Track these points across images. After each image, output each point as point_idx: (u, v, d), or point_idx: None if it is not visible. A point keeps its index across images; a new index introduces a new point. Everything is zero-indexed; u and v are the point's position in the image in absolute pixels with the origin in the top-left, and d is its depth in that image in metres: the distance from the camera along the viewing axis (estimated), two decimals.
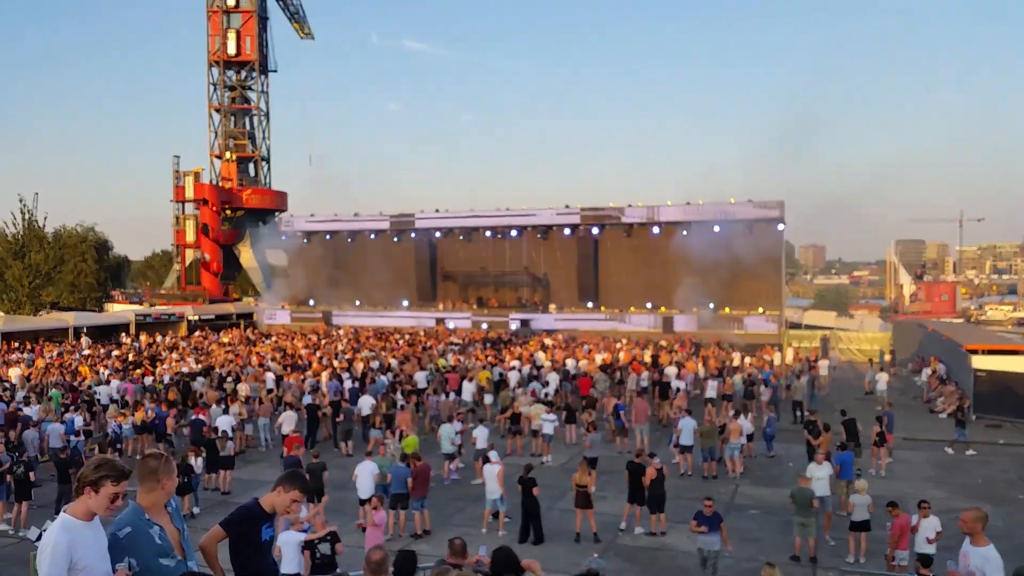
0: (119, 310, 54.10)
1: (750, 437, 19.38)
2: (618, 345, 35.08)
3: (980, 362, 24.88)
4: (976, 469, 18.69)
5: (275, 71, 70.30)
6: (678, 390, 24.23)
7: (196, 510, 15.41)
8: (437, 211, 49.50)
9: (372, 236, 51.37)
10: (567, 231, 46.07)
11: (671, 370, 27.11)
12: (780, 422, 21.58)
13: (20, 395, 22.67)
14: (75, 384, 24.85)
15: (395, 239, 50.64)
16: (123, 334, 42.63)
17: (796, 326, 43.38)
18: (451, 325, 45.29)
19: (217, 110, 67.50)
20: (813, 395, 25.14)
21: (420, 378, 25.59)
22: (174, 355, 33.28)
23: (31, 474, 15.05)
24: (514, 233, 47.16)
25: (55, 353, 33.61)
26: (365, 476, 14.24)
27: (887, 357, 35.56)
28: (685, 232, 42.36)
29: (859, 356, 37.23)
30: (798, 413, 23.43)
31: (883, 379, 27.84)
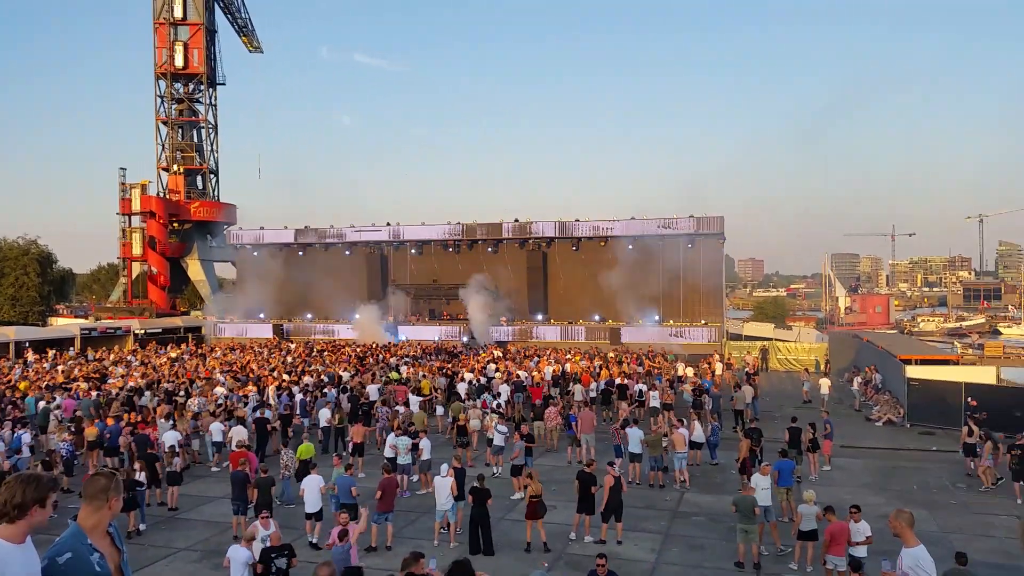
0: (63, 324, 52.84)
1: (697, 445, 19.92)
2: (567, 356, 35.59)
3: (913, 372, 25.90)
4: (911, 476, 19.40)
5: (223, 84, 69.86)
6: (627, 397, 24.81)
7: (142, 526, 15.30)
8: (388, 224, 49.65)
9: (323, 249, 51.23)
10: (517, 244, 46.67)
11: (616, 381, 27.70)
12: (723, 430, 22.24)
13: None
14: (14, 400, 24.30)
15: (346, 252, 50.59)
16: (69, 349, 41.75)
17: (736, 337, 44.54)
18: (402, 336, 45.43)
19: (164, 122, 66.64)
20: (755, 404, 25.86)
21: (372, 391, 25.67)
22: (119, 369, 32.72)
23: None
24: (465, 246, 47.62)
25: None
26: (312, 490, 14.31)
27: (823, 367, 36.74)
28: (631, 246, 43.39)
29: (796, 366, 38.39)
30: (740, 422, 24.13)
31: (824, 385, 28.89)
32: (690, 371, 31.70)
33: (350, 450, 19.80)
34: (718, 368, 33.47)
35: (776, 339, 44.34)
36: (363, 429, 20.22)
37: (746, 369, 32.86)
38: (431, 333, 45.94)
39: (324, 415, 21.93)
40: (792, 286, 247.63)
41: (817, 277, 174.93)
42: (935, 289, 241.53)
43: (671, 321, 43.05)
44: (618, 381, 27.89)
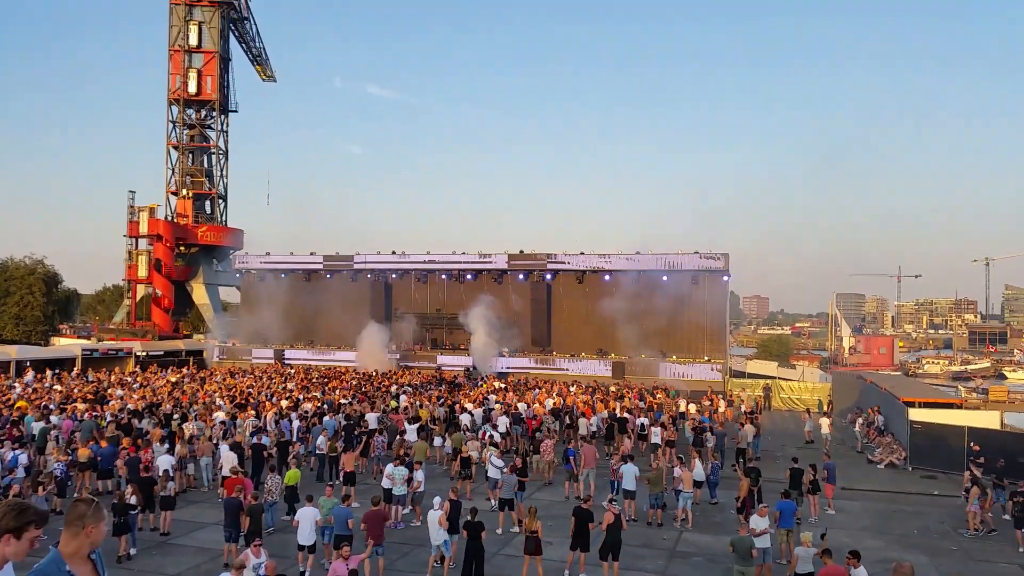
0: (65, 344, 52.88)
1: (697, 484, 19.73)
2: (569, 389, 35.41)
3: (916, 415, 25.64)
4: (912, 520, 19.11)
5: (235, 111, 70.68)
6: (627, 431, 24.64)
7: (133, 551, 15.14)
8: (393, 252, 49.83)
9: (328, 276, 51.38)
10: (520, 276, 46.74)
11: (617, 415, 27.55)
12: (723, 469, 22.02)
13: None
14: (13, 419, 24.20)
15: (351, 279, 50.69)
16: (71, 368, 41.73)
17: (740, 374, 44.29)
18: (403, 366, 45.36)
19: (175, 147, 67.31)
20: (756, 442, 25.63)
21: (371, 419, 25.53)
22: (118, 391, 32.64)
23: None
24: (469, 276, 47.72)
25: None
26: (306, 522, 14.11)
27: (826, 407, 36.47)
28: (635, 280, 43.40)
29: (799, 405, 38.12)
30: (741, 460, 23.89)
31: (825, 424, 28.69)
32: (692, 408, 31.49)
33: (342, 479, 19.62)
34: (721, 405, 33.26)
35: (779, 378, 44.05)
36: (354, 457, 20.03)
37: (743, 407, 32.62)
38: (431, 363, 45.92)
39: (320, 442, 21.80)
40: (797, 324, 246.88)
41: (823, 316, 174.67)
42: (940, 331, 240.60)
43: (674, 357, 42.89)
44: (619, 415, 27.72)
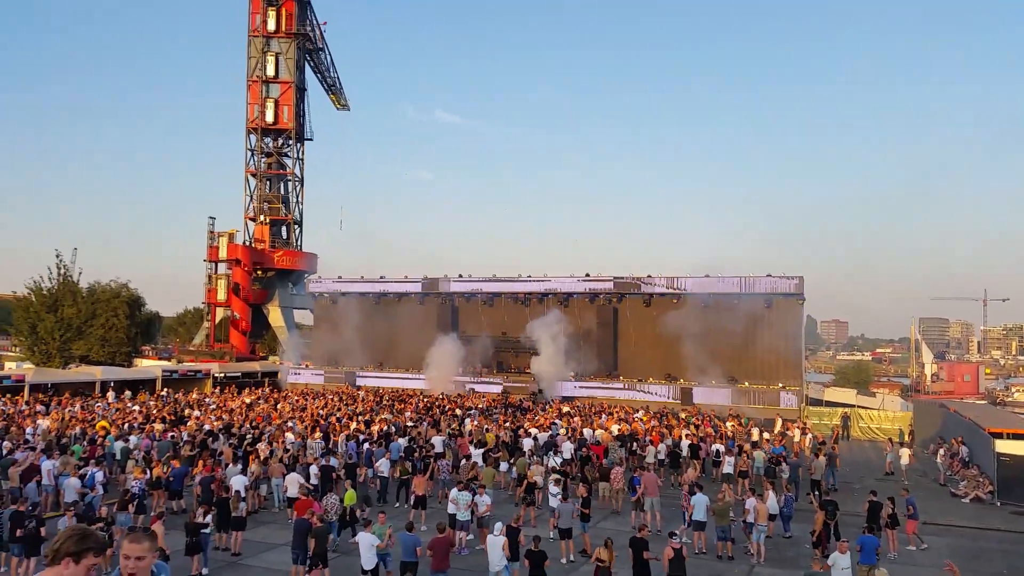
0: (147, 365, 54.91)
1: (771, 517, 19.13)
2: (636, 415, 34.92)
3: (1004, 446, 24.35)
4: (1000, 559, 18.07)
5: (311, 139, 72.73)
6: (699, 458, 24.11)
7: (205, 571, 15.47)
8: (460, 276, 50.23)
9: (397, 299, 52.13)
10: (587, 299, 46.49)
11: (685, 443, 26.96)
12: (797, 501, 21.28)
13: (39, 447, 22.92)
14: (95, 438, 25.16)
15: (419, 302, 51.31)
16: (153, 389, 43.39)
17: (817, 402, 42.87)
18: (470, 389, 45.55)
19: (253, 175, 69.58)
20: (832, 474, 24.73)
21: (437, 442, 25.64)
22: (196, 412, 33.66)
23: (42, 529, 15.02)
24: (535, 299, 47.68)
25: (78, 406, 34.17)
26: (365, 548, 14.18)
27: (907, 437, 35.00)
28: (704, 304, 42.59)
29: (879, 435, 36.62)
30: (816, 493, 23.07)
31: (905, 455, 27.51)
32: (766, 437, 30.62)
33: (412, 502, 19.68)
34: (796, 435, 32.23)
35: (859, 406, 42.45)
36: (424, 481, 20.10)
37: (814, 437, 31.37)
38: (497, 386, 45.99)
39: (384, 465, 21.95)
40: (877, 350, 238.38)
41: (904, 342, 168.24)
42: None
43: (746, 383, 41.83)
44: (688, 442, 27.11)
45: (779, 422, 35.03)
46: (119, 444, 23.94)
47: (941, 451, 28.36)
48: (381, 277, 52.95)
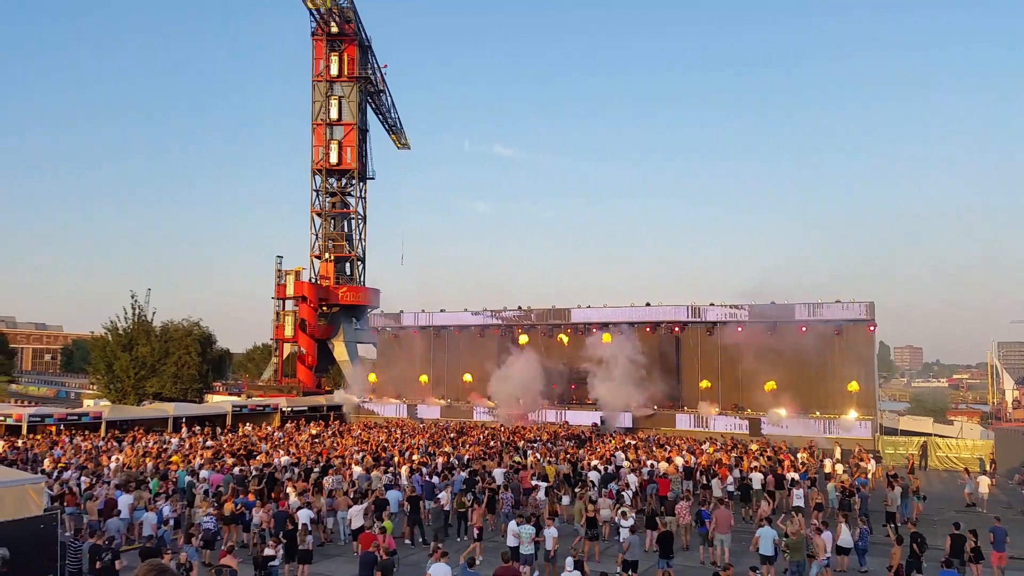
0: (217, 401, 56.33)
1: (844, 550, 18.44)
2: (702, 447, 34.21)
3: None
4: None
5: (373, 178, 74.35)
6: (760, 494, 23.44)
7: None
8: (520, 308, 50.35)
9: (457, 331, 52.50)
10: (649, 328, 46.01)
11: (756, 476, 26.22)
12: (872, 534, 20.47)
13: (115, 482, 23.61)
14: (167, 473, 25.82)
15: (479, 334, 51.57)
16: (223, 424, 44.51)
17: (892, 431, 41.31)
18: (532, 421, 45.36)
19: (318, 214, 71.37)
20: (906, 505, 23.73)
21: (498, 475, 25.53)
22: (264, 446, 34.30)
23: (116, 563, 15.45)
24: (595, 329, 47.36)
25: (151, 442, 35.19)
26: None
27: (988, 467, 33.39)
28: (771, 331, 41.70)
29: (958, 465, 35.01)
30: (893, 525, 22.17)
31: (984, 483, 26.35)
32: (839, 468, 29.62)
33: (475, 536, 19.59)
34: (871, 465, 31.10)
35: (936, 434, 40.77)
36: (480, 513, 19.97)
37: (884, 469, 30.19)
38: (559, 418, 45.70)
39: (444, 497, 21.92)
40: (954, 376, 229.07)
41: (982, 367, 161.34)
42: None
43: (817, 412, 40.64)
44: (759, 475, 26.33)
45: (867, 456, 33.75)
46: (187, 479, 24.52)
47: None
48: (441, 310, 53.48)
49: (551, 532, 17.57)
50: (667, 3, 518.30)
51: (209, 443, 35.09)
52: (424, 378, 52.56)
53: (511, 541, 17.54)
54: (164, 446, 33.42)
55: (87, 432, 38.79)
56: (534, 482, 24.59)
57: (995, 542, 18.06)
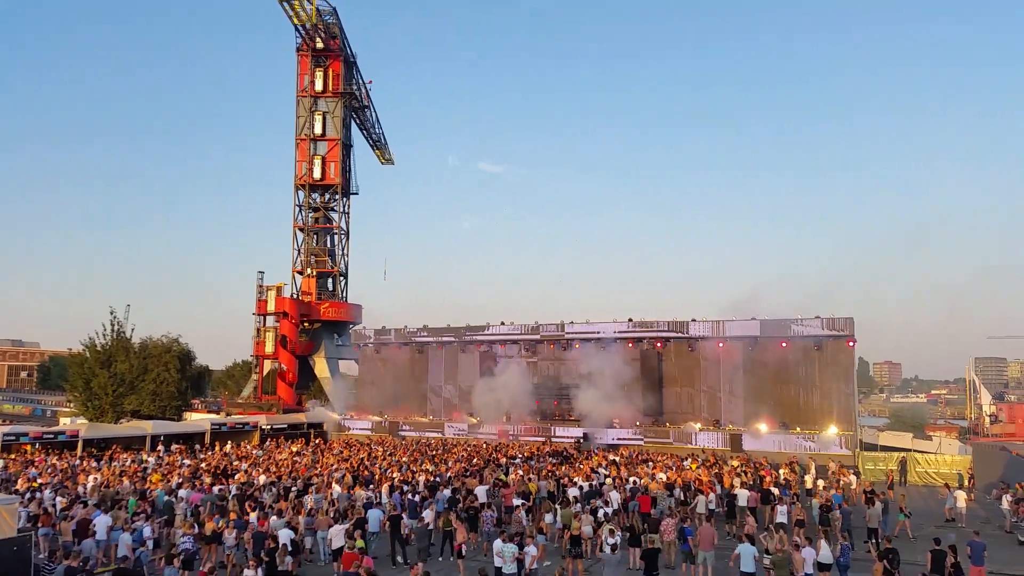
0: (196, 419, 55.75)
1: (825, 567, 18.46)
2: (684, 463, 34.25)
3: None
4: None
5: (356, 194, 74.19)
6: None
7: None
8: (503, 323, 50.38)
9: (440, 348, 52.40)
10: (631, 344, 46.15)
11: (742, 492, 26.24)
12: (854, 550, 20.52)
13: (91, 501, 23.25)
14: (146, 492, 25.48)
15: (462, 351, 51.50)
16: (202, 442, 44.01)
17: (871, 447, 41.57)
18: (513, 437, 45.22)
19: (301, 229, 71.14)
20: (885, 521, 23.85)
21: (480, 492, 25.41)
22: (244, 465, 33.95)
23: None
24: (577, 346, 47.46)
25: (129, 460, 34.74)
26: None
27: (967, 482, 33.69)
28: (751, 348, 42.00)
29: (937, 480, 35.28)
30: (874, 541, 22.28)
31: (961, 497, 26.57)
32: (820, 484, 29.74)
33: (458, 554, 19.46)
34: (852, 481, 31.27)
35: (915, 450, 41.08)
36: (464, 531, 19.85)
37: (862, 485, 30.35)
38: (542, 435, 45.59)
39: (427, 516, 21.79)
40: (933, 392, 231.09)
41: (960, 382, 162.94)
42: None
43: (798, 428, 40.85)
44: (746, 491, 26.39)
45: (833, 466, 34.03)
46: (166, 498, 24.22)
47: (1006, 496, 27.21)
48: (424, 326, 53.34)
49: (530, 550, 17.51)
50: (651, 19, 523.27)
51: (187, 462, 34.70)
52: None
53: (497, 561, 17.44)
54: (142, 465, 33.02)
55: (63, 451, 38.24)
56: (516, 500, 24.48)
57: (973, 557, 18.19)
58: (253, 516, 21.39)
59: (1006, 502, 26.88)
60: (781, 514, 23.58)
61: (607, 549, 18.53)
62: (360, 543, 18.13)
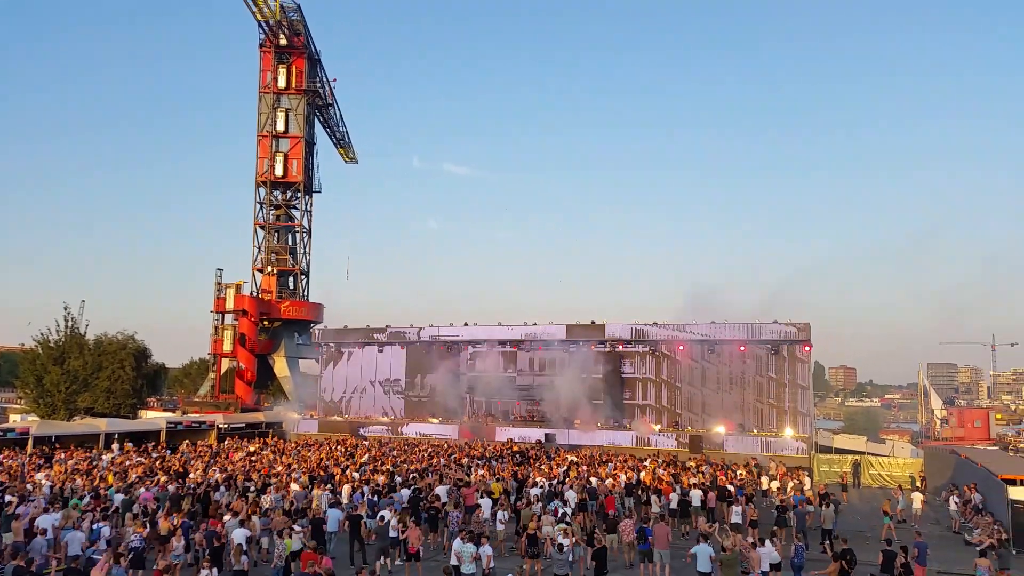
0: (151, 417, 54.76)
1: (775, 567, 18.75)
2: (644, 464, 34.57)
3: (1018, 493, 24.00)
4: None
5: (319, 192, 73.60)
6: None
7: None
8: (466, 324, 50.38)
9: (402, 348, 52.23)
10: (593, 346, 46.48)
11: (696, 492, 26.61)
12: (809, 551, 20.89)
13: (43, 501, 22.72)
14: (99, 491, 24.98)
15: (425, 351, 51.40)
16: (157, 441, 43.30)
17: (826, 449, 42.40)
18: (476, 437, 45.21)
19: (262, 227, 70.34)
20: (835, 522, 24.32)
21: (442, 492, 25.36)
22: (199, 464, 33.46)
23: None
24: (540, 347, 47.70)
25: (82, 459, 34.03)
26: None
27: (919, 484, 34.54)
28: (710, 351, 42.64)
29: (890, 482, 36.12)
30: (827, 542, 22.70)
31: (917, 499, 27.18)
32: (775, 485, 30.23)
33: (404, 558, 19.34)
34: (806, 483, 31.82)
35: (869, 453, 41.98)
36: (419, 534, 19.73)
37: (809, 487, 30.92)
38: (504, 435, 45.66)
39: (385, 516, 21.61)
40: (886, 396, 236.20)
41: (913, 387, 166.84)
42: None
43: (755, 430, 41.52)
44: (699, 492, 26.76)
45: (773, 466, 34.67)
46: (119, 496, 23.78)
47: (953, 498, 27.94)
48: (387, 326, 53.12)
49: (486, 550, 17.55)
50: (617, 21, 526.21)
51: (141, 460, 34.09)
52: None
53: (454, 560, 17.42)
54: (95, 463, 32.36)
55: (14, 448, 37.32)
56: (478, 499, 24.48)
57: (918, 557, 18.64)
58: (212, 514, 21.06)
59: (954, 504, 27.60)
60: (736, 514, 23.95)
61: (563, 548, 18.60)
62: (288, 543, 18.09)
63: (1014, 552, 22.98)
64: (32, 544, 17.87)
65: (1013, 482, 25.23)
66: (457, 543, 17.71)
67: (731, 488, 27.48)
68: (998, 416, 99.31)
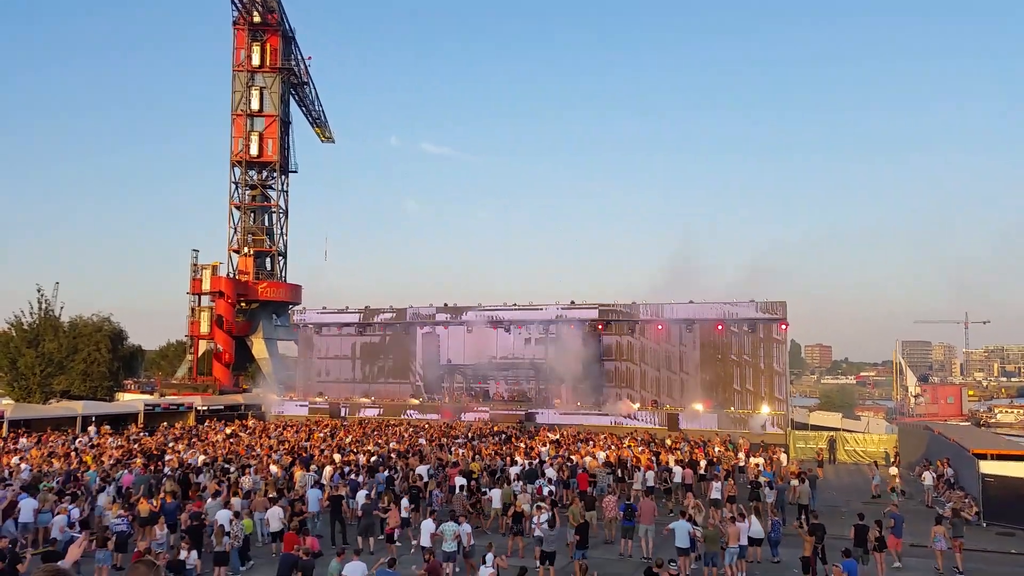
0: (129, 399, 54.33)
1: (756, 541, 19.04)
2: (622, 442, 34.86)
3: (989, 467, 24.52)
4: None
5: (295, 171, 72.83)
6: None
7: None
8: (446, 305, 50.33)
9: (381, 328, 52.10)
10: (572, 326, 46.64)
11: (677, 469, 26.91)
12: (785, 526, 21.21)
13: (17, 485, 22.48)
14: (77, 473, 24.77)
15: (404, 332, 51.30)
16: (135, 423, 42.94)
17: (802, 426, 43.00)
18: (457, 417, 45.34)
19: (237, 207, 69.55)
20: (814, 498, 24.73)
21: (423, 471, 25.44)
22: (179, 446, 33.28)
23: (19, 566, 14.55)
24: (520, 327, 47.80)
25: (60, 442, 33.70)
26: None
27: (893, 460, 35.15)
28: (689, 330, 42.95)
29: (865, 458, 36.74)
30: (804, 518, 23.05)
31: (894, 471, 27.70)
32: (752, 461, 30.61)
33: (384, 536, 19.39)
34: (783, 459, 32.24)
35: (844, 429, 42.62)
36: (396, 514, 19.78)
37: (784, 461, 31.38)
38: (483, 414, 45.83)
39: (361, 496, 21.57)
40: (862, 373, 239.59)
41: (887, 365, 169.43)
42: (1014, 379, 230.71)
43: (731, 408, 41.99)
44: (679, 468, 27.09)
45: (778, 450, 34.95)
46: (96, 477, 23.61)
47: (927, 473, 28.47)
48: (366, 307, 52.92)
49: (465, 528, 17.66)
50: (599, 3, 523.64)
51: (119, 442, 33.83)
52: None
53: (424, 541, 17.54)
54: (72, 446, 32.06)
55: None
56: (459, 479, 24.58)
57: (894, 528, 19.01)
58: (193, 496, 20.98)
59: (928, 478, 28.13)
60: (715, 490, 24.26)
61: (545, 525, 18.77)
62: (248, 523, 18.31)
63: (984, 525, 23.53)
64: (5, 527, 17.76)
65: (984, 456, 25.77)
66: (428, 523, 17.90)
67: (703, 463, 27.85)
68: (970, 393, 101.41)
